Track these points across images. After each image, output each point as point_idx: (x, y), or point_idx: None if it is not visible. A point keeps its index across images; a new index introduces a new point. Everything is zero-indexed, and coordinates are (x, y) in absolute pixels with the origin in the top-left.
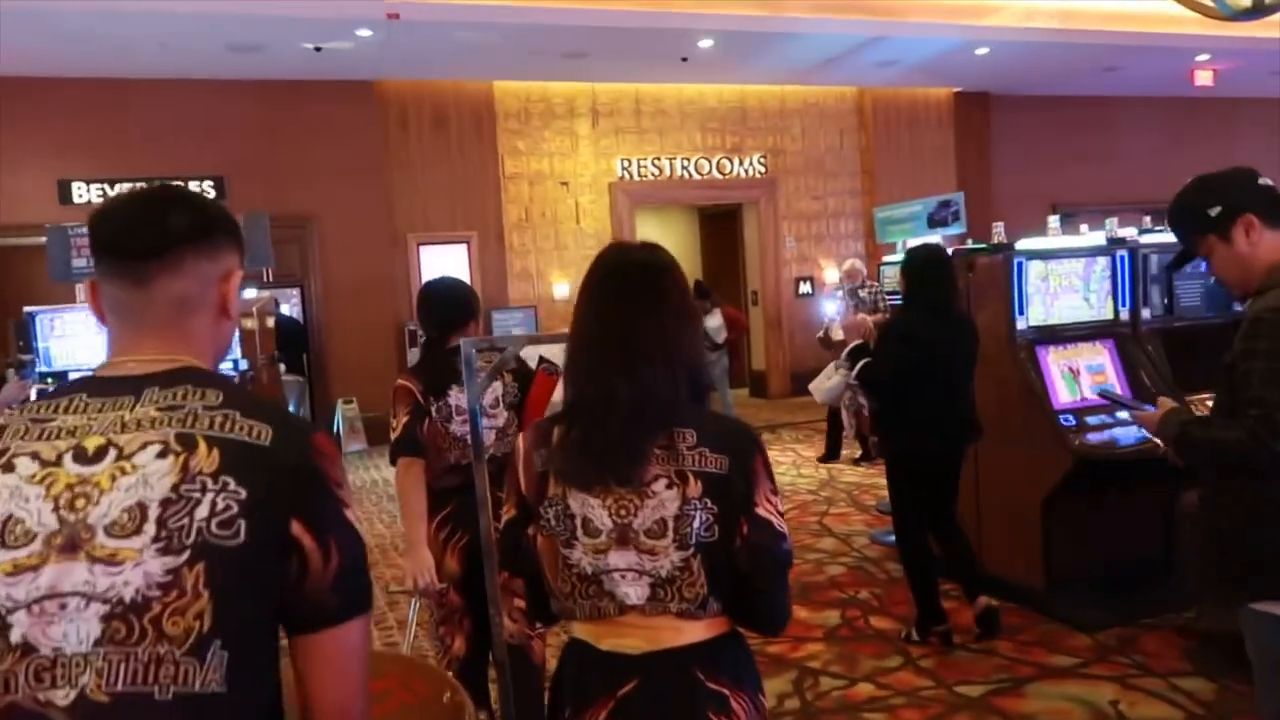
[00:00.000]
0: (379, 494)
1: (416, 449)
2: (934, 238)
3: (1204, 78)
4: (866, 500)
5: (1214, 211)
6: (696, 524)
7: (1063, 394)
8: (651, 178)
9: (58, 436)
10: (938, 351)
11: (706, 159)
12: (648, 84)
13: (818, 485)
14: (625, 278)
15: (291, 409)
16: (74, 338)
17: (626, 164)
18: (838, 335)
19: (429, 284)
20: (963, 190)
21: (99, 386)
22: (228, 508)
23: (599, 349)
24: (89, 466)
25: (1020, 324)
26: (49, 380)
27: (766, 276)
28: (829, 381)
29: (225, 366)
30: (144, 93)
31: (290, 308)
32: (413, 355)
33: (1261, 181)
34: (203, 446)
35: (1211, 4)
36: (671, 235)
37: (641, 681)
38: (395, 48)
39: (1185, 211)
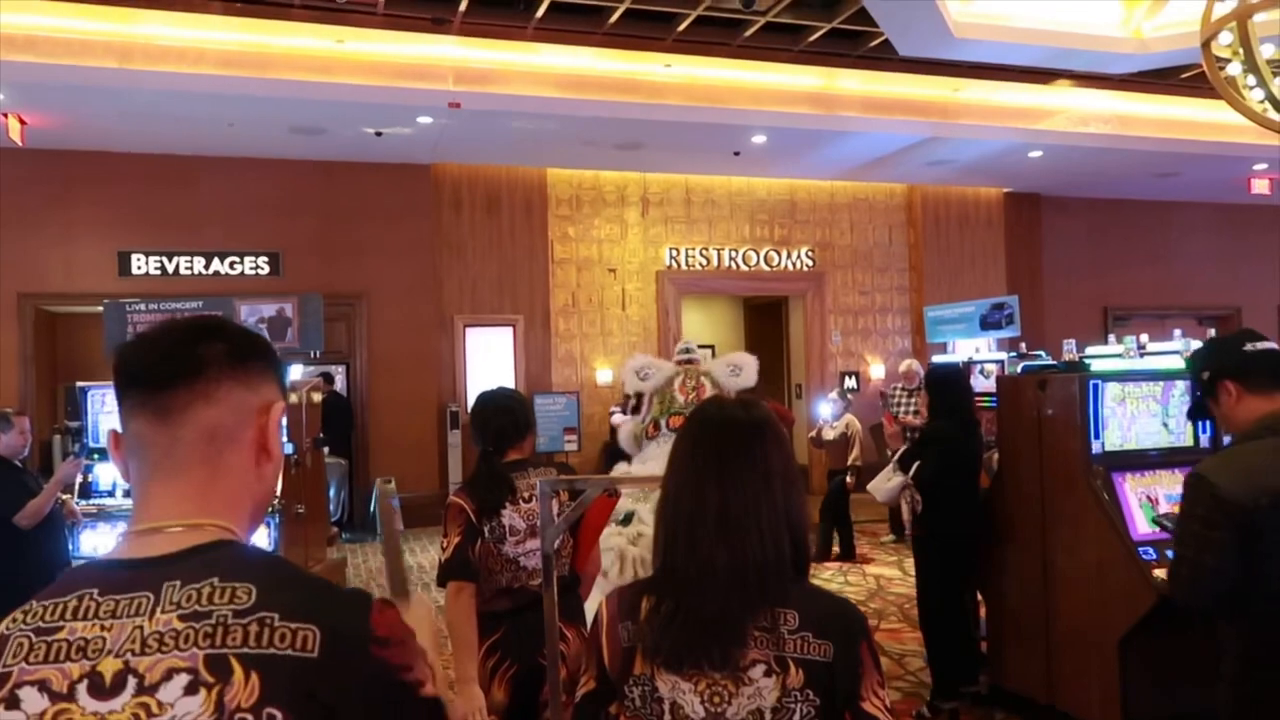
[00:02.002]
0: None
1: (468, 572)
2: (985, 340)
3: (1261, 186)
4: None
5: (1205, 375)
6: (797, 717)
7: (1141, 524)
8: (699, 267)
9: (68, 656)
10: (966, 455)
11: (754, 250)
12: (698, 175)
13: (866, 595)
14: (726, 438)
15: (333, 493)
16: None
17: (675, 253)
18: (829, 436)
19: (485, 396)
20: (1012, 290)
21: (111, 580)
22: None
23: (696, 515)
24: (107, 701)
25: (1095, 448)
26: (94, 456)
27: (811, 370)
28: (889, 483)
29: None
30: (206, 169)
31: (337, 384)
32: (453, 437)
33: (1249, 347)
34: (239, 672)
35: (1277, 118)
36: (717, 325)
37: None
38: (453, 134)
39: (1191, 370)
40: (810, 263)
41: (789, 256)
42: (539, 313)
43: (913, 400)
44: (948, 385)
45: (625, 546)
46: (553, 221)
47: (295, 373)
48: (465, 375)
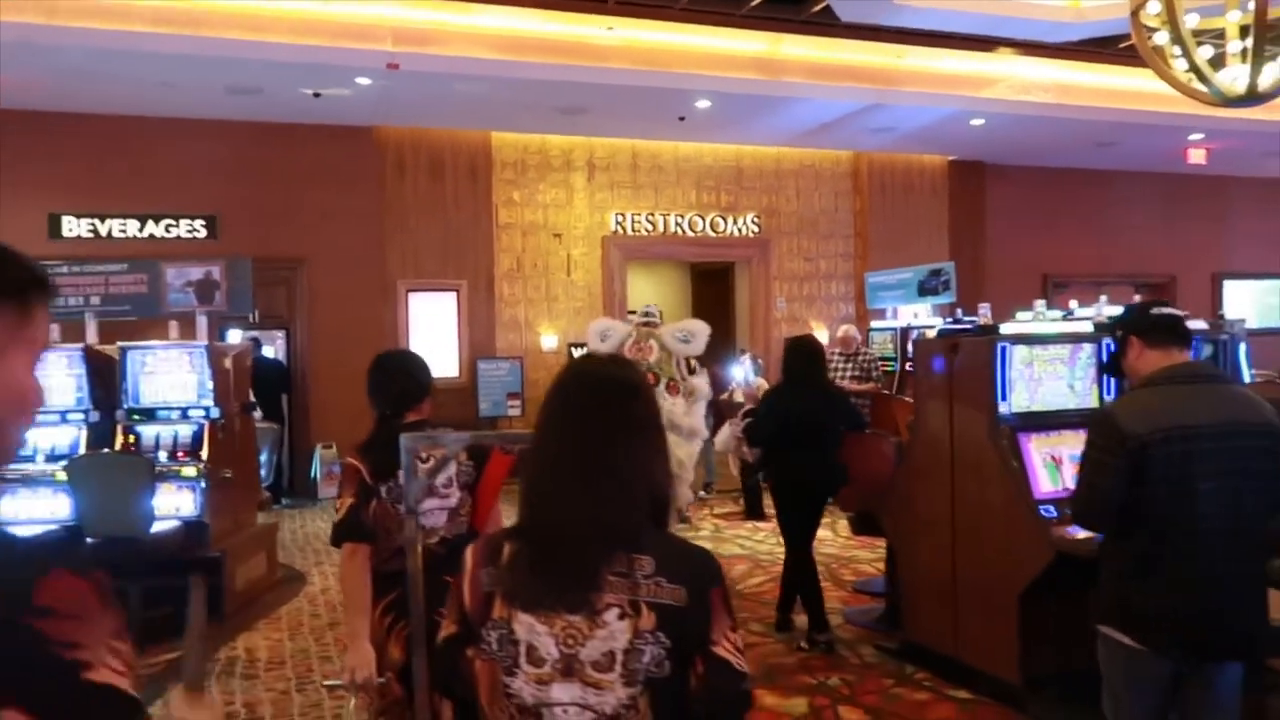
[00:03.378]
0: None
1: (361, 533)
2: (924, 306)
3: (1197, 156)
4: (844, 575)
5: (1118, 334)
6: (647, 659)
7: (1044, 483)
8: (645, 233)
9: None
10: (797, 419)
11: (700, 216)
12: (644, 140)
13: None
14: (592, 395)
15: (265, 457)
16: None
17: (620, 218)
18: (738, 398)
19: (382, 357)
20: (955, 259)
21: None
22: None
23: (559, 468)
24: None
25: (1003, 409)
26: (136, 417)
27: (756, 336)
28: (722, 434)
29: (196, 414)
30: (140, 130)
31: (275, 350)
32: None
33: (1154, 311)
34: None
35: (1205, 90)
36: (663, 291)
37: None
38: (394, 96)
39: (1110, 331)
40: (756, 229)
41: (735, 223)
42: (483, 278)
43: (849, 365)
44: (792, 353)
45: None
46: (497, 186)
47: (233, 337)
48: (408, 341)
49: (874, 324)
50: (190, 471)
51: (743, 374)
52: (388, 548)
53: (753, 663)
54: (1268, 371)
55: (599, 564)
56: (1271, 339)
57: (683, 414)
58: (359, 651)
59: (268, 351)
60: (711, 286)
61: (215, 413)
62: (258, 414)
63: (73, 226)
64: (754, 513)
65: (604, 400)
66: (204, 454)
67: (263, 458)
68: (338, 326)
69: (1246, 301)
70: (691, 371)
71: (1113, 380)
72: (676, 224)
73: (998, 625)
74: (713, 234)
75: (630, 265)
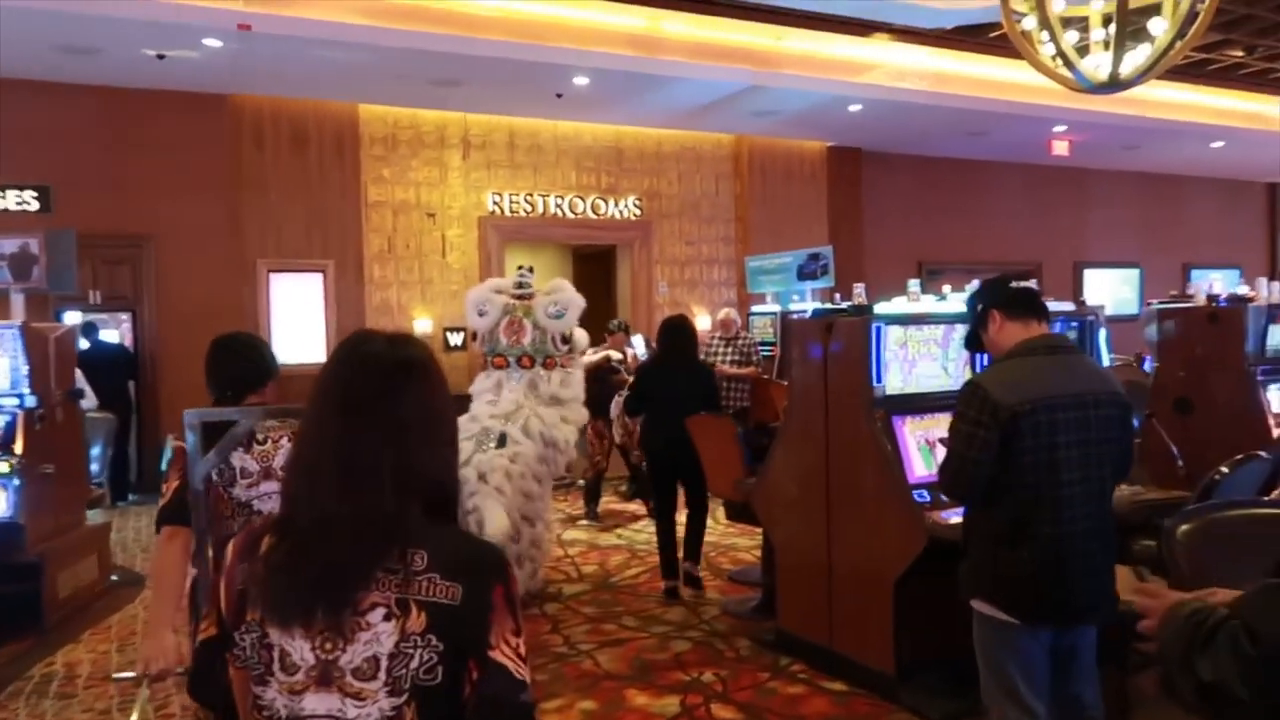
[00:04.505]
0: None
1: (183, 517)
2: (804, 290)
3: (1060, 147)
4: (722, 564)
5: (978, 308)
6: (415, 664)
7: (919, 467)
8: (524, 214)
9: None
10: (666, 391)
11: (580, 198)
12: (522, 118)
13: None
14: (363, 381)
15: (99, 450)
16: None
17: (498, 198)
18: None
19: (220, 339)
20: (834, 244)
21: None
22: None
23: (323, 459)
24: None
25: (877, 391)
26: None
27: (638, 321)
28: (616, 404)
29: (9, 403)
30: None
31: (120, 334)
32: None
33: (1013, 285)
34: None
35: (1070, 75)
36: (544, 274)
37: None
38: (250, 61)
39: (968, 306)
40: (638, 212)
41: (616, 205)
42: (352, 258)
43: (729, 349)
44: (665, 333)
45: (508, 467)
46: (366, 162)
47: (71, 319)
48: (270, 324)
49: (754, 308)
50: (2, 467)
51: (638, 348)
52: (220, 534)
53: (625, 659)
54: (1125, 356)
55: (356, 574)
56: (1127, 325)
57: (560, 385)
58: (159, 640)
59: (110, 335)
60: (593, 269)
61: (32, 401)
62: (87, 402)
63: None
64: (642, 492)
65: (375, 387)
66: (18, 447)
67: (95, 451)
68: (190, 309)
69: (1104, 289)
70: (566, 341)
71: (987, 361)
72: (556, 205)
73: (872, 614)
74: (594, 216)
75: (509, 247)
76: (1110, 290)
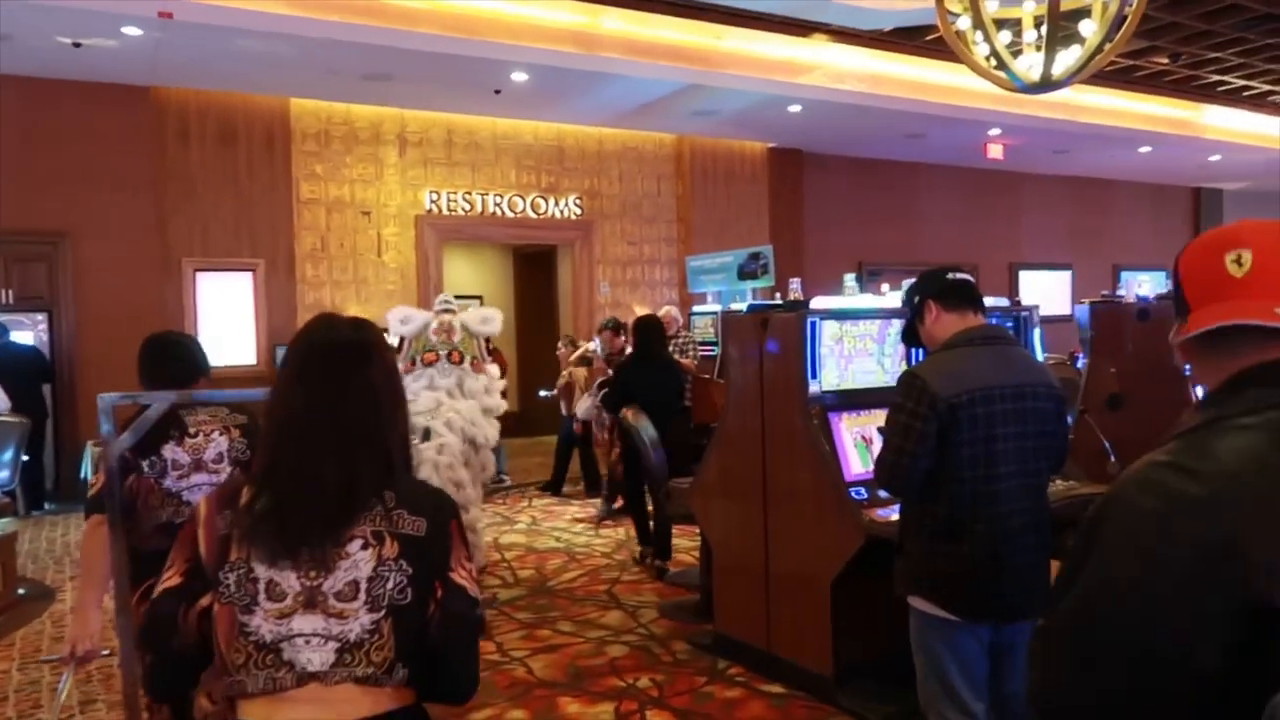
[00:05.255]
0: None
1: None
2: (744, 289)
3: (996, 151)
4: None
5: (915, 299)
6: (390, 585)
7: (855, 464)
8: (462, 213)
9: None
10: (643, 386)
11: (521, 197)
12: (460, 114)
13: (614, 547)
14: (337, 358)
15: (9, 456)
16: None
17: (435, 196)
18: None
19: (154, 339)
20: (775, 244)
21: None
22: None
23: (306, 429)
24: None
25: (813, 388)
26: None
27: (580, 321)
28: (583, 404)
29: None
30: None
31: (35, 335)
32: None
33: (949, 276)
34: None
35: (1004, 75)
36: (485, 274)
37: None
38: (173, 51)
39: (906, 298)
40: (579, 211)
41: (557, 205)
42: (283, 257)
43: (670, 347)
44: (642, 331)
45: (435, 458)
46: (298, 158)
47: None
48: (197, 324)
49: (695, 308)
50: None
51: (596, 349)
52: (149, 523)
53: (559, 666)
54: (1058, 355)
55: (349, 519)
56: (1060, 325)
57: (484, 392)
58: (85, 623)
59: (23, 337)
60: (535, 270)
61: None
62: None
63: None
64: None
65: (342, 362)
66: None
67: (6, 457)
68: (111, 309)
69: (1038, 290)
70: (492, 354)
71: (917, 353)
72: (495, 204)
73: (809, 615)
74: (534, 215)
75: (448, 247)
76: (1044, 291)
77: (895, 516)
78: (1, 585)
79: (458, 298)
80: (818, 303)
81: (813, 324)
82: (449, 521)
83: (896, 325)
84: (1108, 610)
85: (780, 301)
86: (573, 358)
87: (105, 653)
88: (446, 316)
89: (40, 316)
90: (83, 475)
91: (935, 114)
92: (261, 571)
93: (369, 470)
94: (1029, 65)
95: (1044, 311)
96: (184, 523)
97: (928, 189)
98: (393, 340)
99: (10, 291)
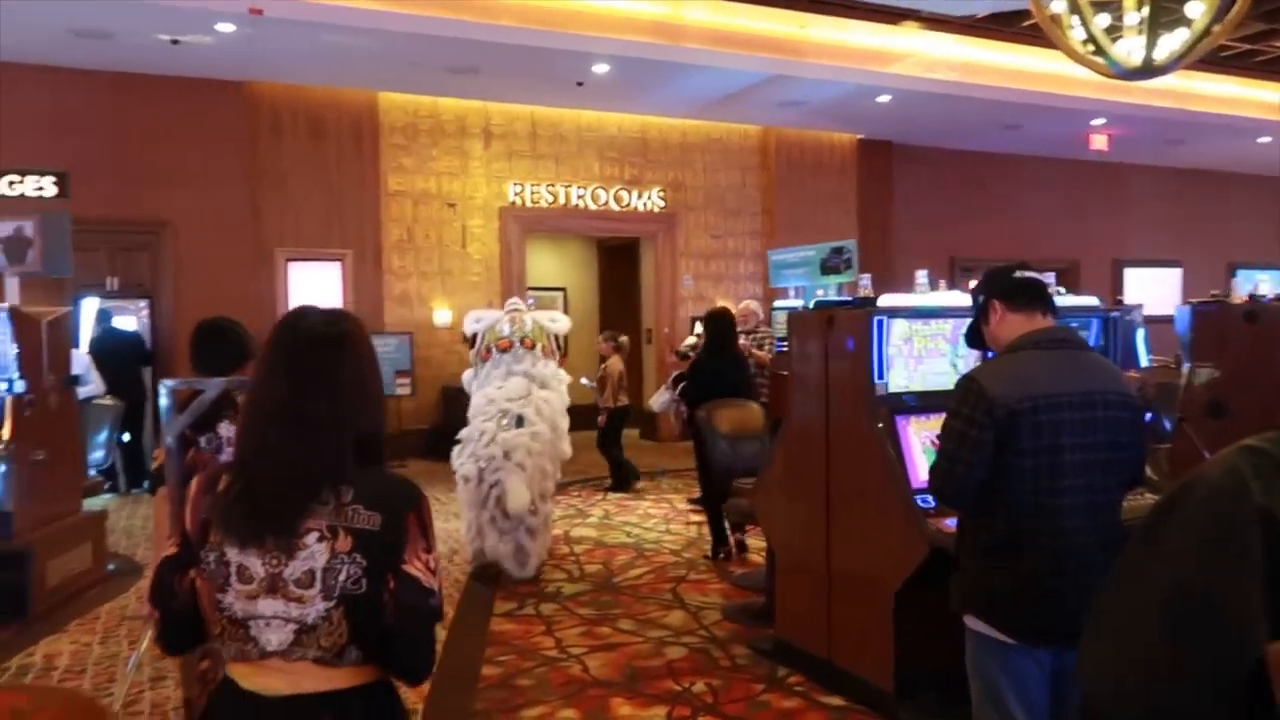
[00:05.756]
0: None
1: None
2: (826, 284)
3: (1099, 142)
4: (731, 567)
5: (979, 299)
6: (343, 576)
7: (923, 470)
8: (545, 204)
9: None
10: (721, 380)
11: (604, 189)
12: (544, 107)
13: (683, 545)
14: (304, 350)
15: (104, 437)
16: None
17: (519, 189)
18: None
19: (204, 324)
20: (863, 238)
21: None
22: None
23: (266, 416)
24: None
25: (879, 389)
26: None
27: (661, 315)
28: (661, 397)
29: None
30: None
31: (138, 321)
32: None
33: (1017, 274)
34: None
35: (1103, 61)
36: (569, 266)
37: None
38: (264, 47)
39: (971, 298)
40: (662, 204)
41: (640, 197)
42: (370, 248)
43: (750, 339)
44: (715, 324)
45: (529, 444)
46: (386, 151)
47: (89, 306)
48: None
49: (776, 302)
50: None
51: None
52: None
53: (615, 666)
54: (1164, 357)
55: (302, 502)
56: (1166, 326)
57: (553, 377)
58: None
59: (126, 322)
60: (617, 262)
61: (21, 386)
62: (90, 389)
63: None
64: (622, 486)
65: (309, 353)
66: (6, 432)
67: (100, 438)
68: (208, 296)
69: (1145, 288)
70: (559, 348)
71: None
72: (579, 196)
73: (871, 625)
74: (617, 207)
75: (532, 239)
76: (1151, 289)
77: None
78: (92, 561)
79: (539, 289)
80: (886, 300)
81: (880, 322)
82: (406, 515)
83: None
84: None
85: (848, 298)
86: (682, 345)
87: None
88: (517, 312)
89: (142, 303)
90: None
91: (1034, 103)
92: (233, 555)
93: (326, 459)
94: (1129, 50)
95: (1149, 311)
96: None
97: (1025, 182)
98: (468, 333)
99: (115, 279)
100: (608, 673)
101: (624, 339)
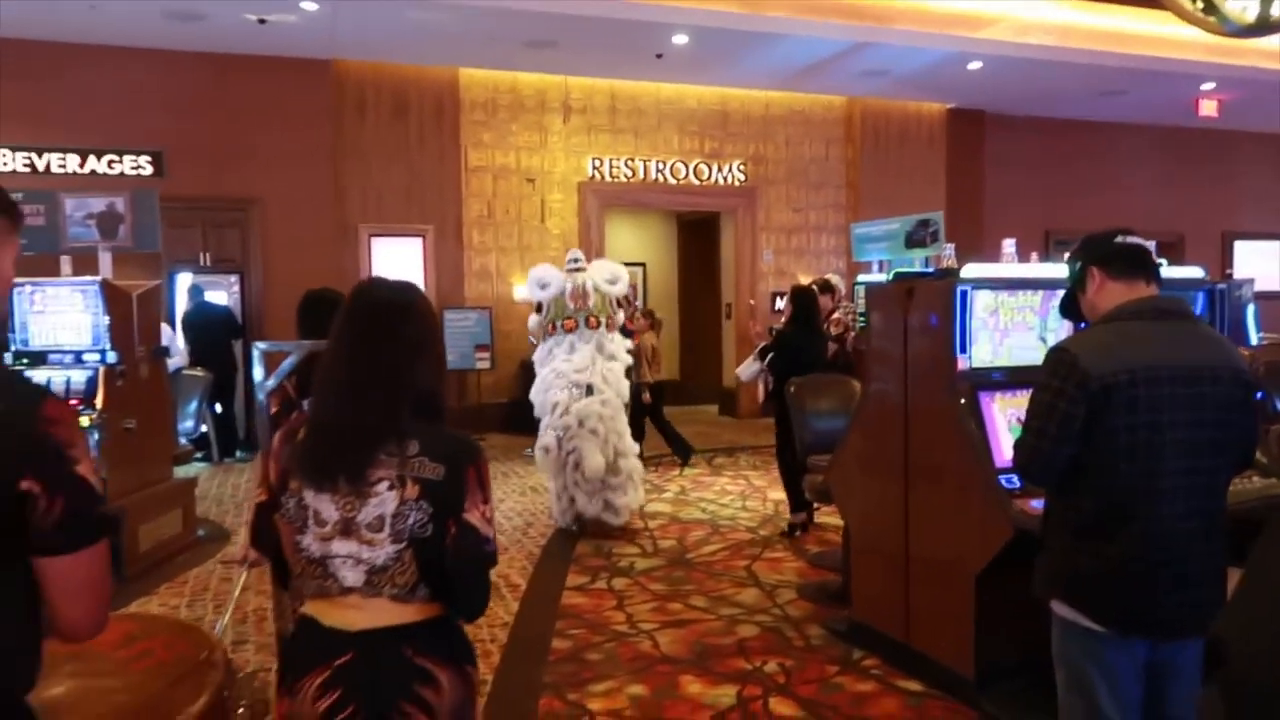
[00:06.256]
0: None
1: None
2: (913, 258)
3: (1208, 108)
4: (808, 544)
5: (1076, 266)
6: (411, 521)
7: (1007, 449)
8: (624, 179)
9: None
10: (805, 353)
11: (683, 163)
12: (622, 80)
13: (759, 522)
14: (370, 318)
15: (193, 406)
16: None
17: (598, 163)
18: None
19: (310, 294)
20: (952, 212)
21: None
22: None
23: (339, 376)
24: None
25: (961, 364)
26: (24, 361)
27: (742, 290)
28: (750, 368)
29: (91, 358)
30: (76, 58)
31: (228, 295)
32: None
33: (1118, 240)
34: None
35: (1214, 20)
36: (648, 241)
37: (356, 655)
38: (347, 25)
39: (1068, 265)
40: (743, 177)
41: (720, 170)
42: (451, 223)
43: (843, 312)
44: (799, 300)
45: (600, 410)
46: (466, 127)
47: (183, 281)
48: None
49: (859, 277)
50: (83, 421)
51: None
52: None
53: (685, 643)
54: (1275, 335)
55: (367, 451)
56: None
57: (618, 348)
58: (245, 540)
59: (217, 297)
60: (698, 236)
61: (113, 357)
62: (175, 360)
63: (8, 160)
64: (685, 456)
65: (379, 320)
66: (99, 402)
67: (190, 408)
68: (294, 271)
69: (1257, 263)
70: (619, 305)
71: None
72: (658, 171)
73: (951, 608)
74: (697, 181)
75: (611, 214)
76: (1262, 263)
77: None
78: (182, 526)
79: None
80: (970, 270)
81: (964, 293)
82: (466, 468)
83: (1061, 296)
84: None
85: (928, 269)
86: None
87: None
88: (580, 277)
89: (233, 278)
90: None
91: (1137, 68)
92: (310, 500)
93: (393, 413)
94: (1243, 6)
95: (1261, 287)
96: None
97: (1126, 152)
98: (533, 299)
99: (208, 254)
100: (677, 649)
101: (660, 316)
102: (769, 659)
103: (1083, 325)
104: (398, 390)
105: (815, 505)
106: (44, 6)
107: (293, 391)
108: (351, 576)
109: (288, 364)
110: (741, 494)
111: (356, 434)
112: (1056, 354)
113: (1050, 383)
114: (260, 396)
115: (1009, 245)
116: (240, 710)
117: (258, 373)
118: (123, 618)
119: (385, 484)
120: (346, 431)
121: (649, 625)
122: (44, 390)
